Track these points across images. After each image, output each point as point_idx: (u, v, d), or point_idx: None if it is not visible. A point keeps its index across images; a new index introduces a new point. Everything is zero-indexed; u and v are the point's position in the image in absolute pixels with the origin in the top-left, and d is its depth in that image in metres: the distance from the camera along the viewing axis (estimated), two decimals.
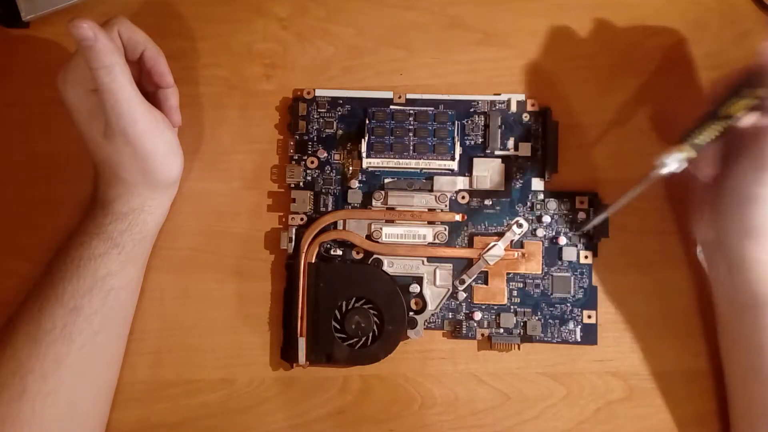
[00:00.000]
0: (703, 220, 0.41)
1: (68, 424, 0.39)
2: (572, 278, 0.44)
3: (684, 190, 0.43)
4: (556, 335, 0.44)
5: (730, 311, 0.41)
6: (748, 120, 0.37)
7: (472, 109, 0.45)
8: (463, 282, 0.44)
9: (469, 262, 0.44)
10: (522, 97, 0.45)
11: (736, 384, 0.41)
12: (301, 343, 0.43)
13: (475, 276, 0.44)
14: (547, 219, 0.44)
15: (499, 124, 0.44)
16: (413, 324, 0.43)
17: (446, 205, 0.44)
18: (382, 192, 0.44)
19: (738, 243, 0.38)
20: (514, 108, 0.45)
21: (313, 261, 0.44)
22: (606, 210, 0.41)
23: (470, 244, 0.44)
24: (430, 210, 0.44)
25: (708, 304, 0.43)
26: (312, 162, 0.45)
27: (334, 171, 0.45)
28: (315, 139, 0.45)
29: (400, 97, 0.45)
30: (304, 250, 0.43)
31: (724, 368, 0.42)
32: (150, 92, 0.42)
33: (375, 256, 0.44)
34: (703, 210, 0.41)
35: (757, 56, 0.35)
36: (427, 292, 0.44)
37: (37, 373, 0.38)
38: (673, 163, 0.36)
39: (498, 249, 0.43)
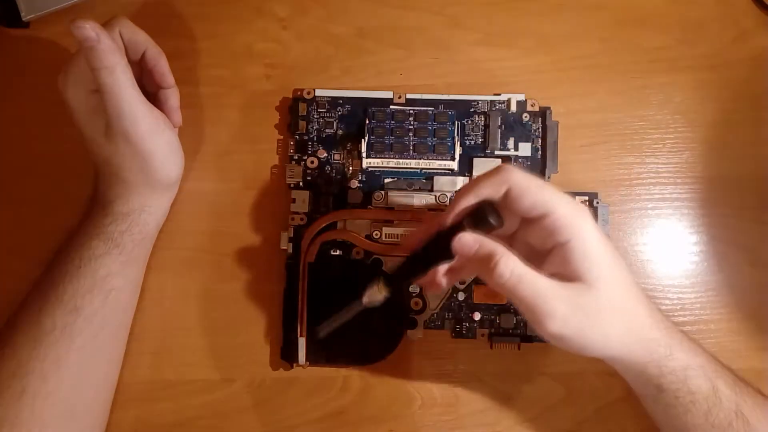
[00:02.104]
0: None
1: (68, 424, 0.39)
2: None
3: None
4: None
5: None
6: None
7: (472, 109, 0.45)
8: (463, 282, 0.44)
9: None
10: (522, 97, 0.45)
11: None
12: (301, 343, 0.43)
13: (475, 276, 0.44)
14: None
15: (499, 124, 0.44)
16: (413, 324, 0.43)
17: (446, 205, 0.44)
18: (382, 192, 0.44)
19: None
20: (514, 108, 0.45)
21: (313, 261, 0.44)
22: (326, 325, 0.38)
23: None
24: (430, 210, 0.44)
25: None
26: (312, 162, 0.45)
27: (334, 171, 0.45)
28: (315, 139, 0.45)
29: (400, 97, 0.45)
30: (304, 250, 0.43)
31: None
32: (151, 92, 0.42)
33: (375, 256, 0.44)
34: None
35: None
36: (427, 292, 0.44)
37: (37, 374, 0.38)
38: (373, 299, 0.37)
39: None
